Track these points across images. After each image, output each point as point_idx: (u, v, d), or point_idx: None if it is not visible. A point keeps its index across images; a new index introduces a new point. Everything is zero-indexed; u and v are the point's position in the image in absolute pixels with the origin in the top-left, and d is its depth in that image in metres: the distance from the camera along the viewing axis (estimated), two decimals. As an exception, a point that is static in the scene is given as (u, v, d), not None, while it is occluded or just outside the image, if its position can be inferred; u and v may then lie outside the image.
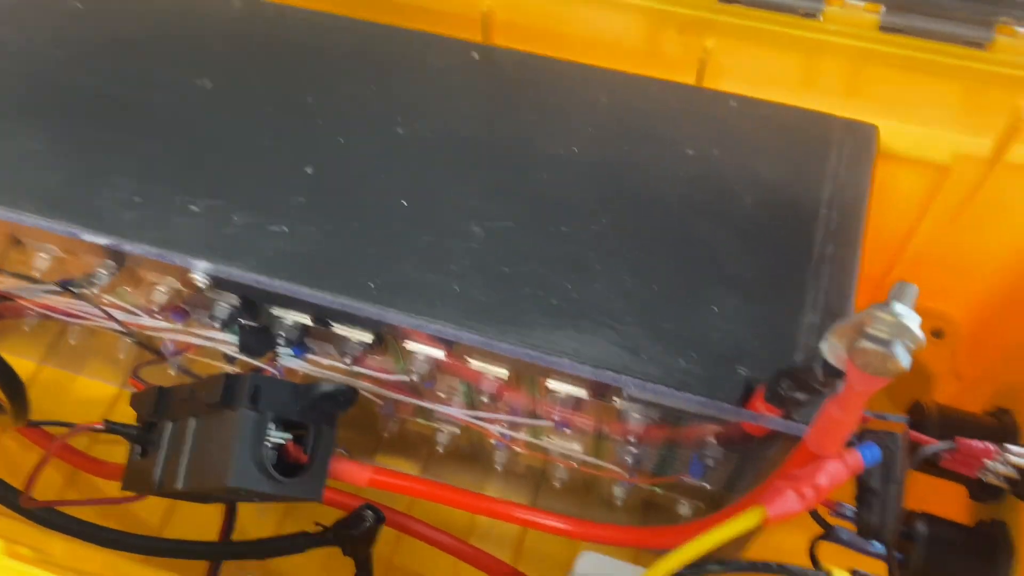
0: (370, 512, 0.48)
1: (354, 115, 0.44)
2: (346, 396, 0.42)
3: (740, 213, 0.40)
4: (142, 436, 0.45)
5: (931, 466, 0.41)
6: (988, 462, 0.39)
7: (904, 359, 0.28)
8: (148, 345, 0.58)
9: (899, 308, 0.28)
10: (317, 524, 0.49)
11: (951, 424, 0.44)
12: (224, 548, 0.50)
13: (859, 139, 0.42)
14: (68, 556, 0.34)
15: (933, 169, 0.47)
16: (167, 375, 0.59)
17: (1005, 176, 0.46)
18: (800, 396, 0.33)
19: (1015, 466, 0.38)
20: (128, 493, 0.51)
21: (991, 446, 0.39)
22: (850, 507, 0.42)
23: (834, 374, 0.31)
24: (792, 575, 0.33)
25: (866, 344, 0.28)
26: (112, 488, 0.61)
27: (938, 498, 0.49)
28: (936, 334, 0.59)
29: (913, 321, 0.28)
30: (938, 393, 0.55)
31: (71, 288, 0.50)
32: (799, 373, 0.32)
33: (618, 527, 0.43)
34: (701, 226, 0.39)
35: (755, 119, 0.43)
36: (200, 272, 0.40)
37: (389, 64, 0.45)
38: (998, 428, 0.44)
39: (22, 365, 0.45)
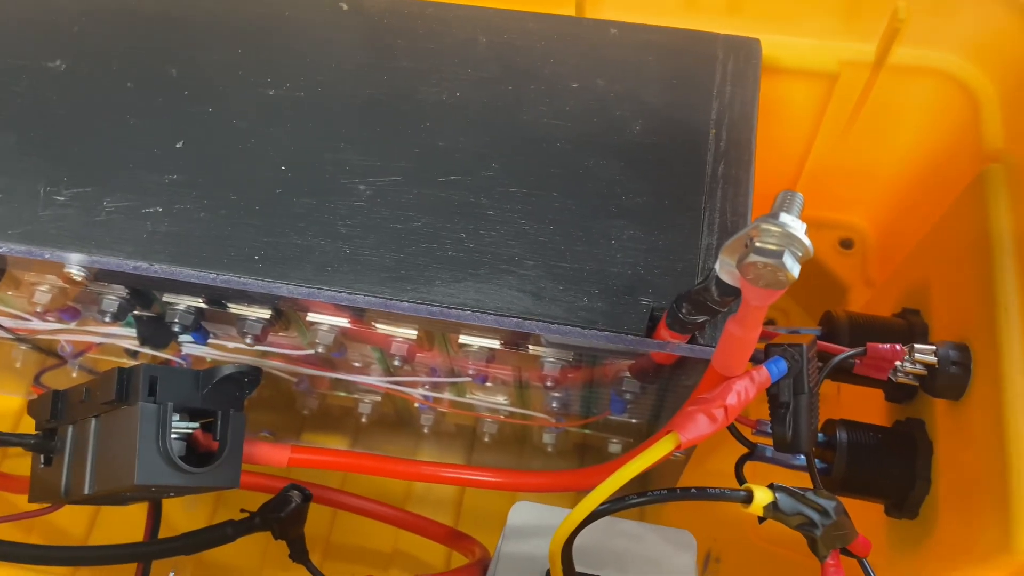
0: (296, 492, 0.47)
1: (222, 82, 0.41)
2: (250, 377, 0.41)
3: (630, 142, 0.39)
4: (41, 444, 0.43)
5: (846, 373, 0.41)
6: (898, 363, 0.39)
7: (793, 268, 0.28)
8: (45, 350, 0.55)
9: (784, 218, 0.28)
10: (243, 511, 0.48)
11: (862, 330, 0.44)
12: (151, 548, 0.48)
13: (742, 54, 0.41)
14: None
15: (821, 79, 0.47)
16: (72, 378, 0.57)
17: (891, 79, 0.47)
18: (700, 319, 0.32)
19: (923, 363, 0.39)
20: (38, 505, 0.49)
21: (898, 347, 0.39)
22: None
23: (729, 292, 0.30)
24: (711, 496, 0.32)
25: (755, 258, 0.28)
26: (25, 503, 0.59)
27: (858, 404, 0.50)
28: (845, 244, 0.59)
29: (799, 229, 0.28)
30: (852, 302, 0.56)
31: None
32: (696, 295, 0.31)
33: (548, 473, 0.43)
34: (592, 160, 0.39)
35: (637, 45, 0.42)
36: (75, 265, 0.37)
37: (253, 25, 0.43)
38: (906, 329, 0.44)
39: None
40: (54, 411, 0.43)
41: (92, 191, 0.39)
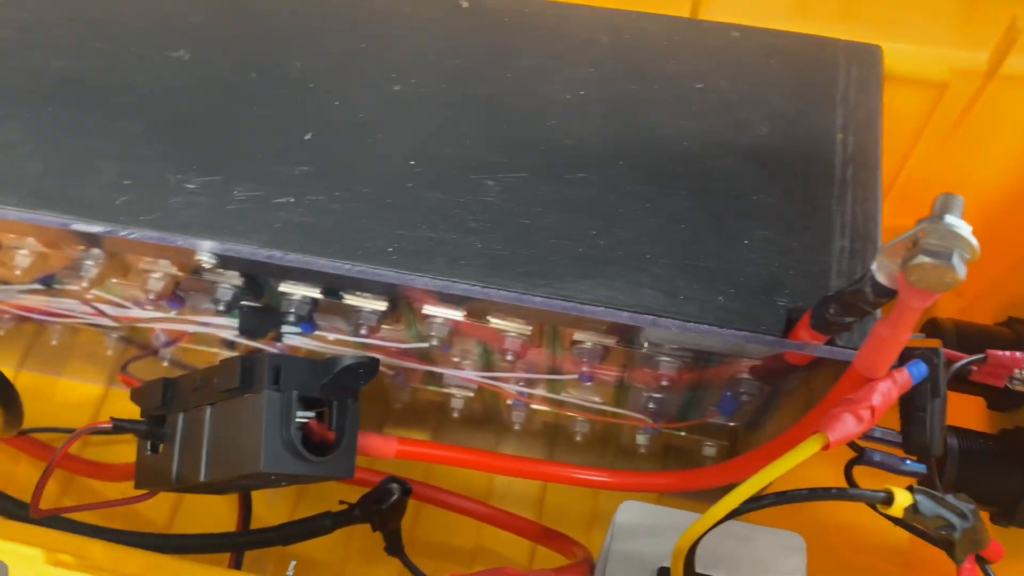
0: (396, 484, 0.47)
1: (347, 76, 0.42)
2: (368, 367, 0.41)
3: (757, 144, 0.39)
4: (152, 431, 0.43)
5: (957, 381, 0.41)
6: (1017, 371, 0.39)
7: (961, 270, 0.28)
8: (134, 339, 0.55)
9: (951, 219, 0.28)
10: (342, 502, 0.48)
11: (969, 338, 0.44)
12: (248, 537, 0.49)
13: (865, 60, 0.42)
14: (108, 559, 0.32)
15: (931, 87, 0.47)
16: (155, 370, 0.57)
17: (1001, 88, 0.47)
18: (848, 320, 0.33)
19: (1044, 372, 0.39)
20: (134, 492, 0.49)
21: (1019, 354, 0.39)
22: (880, 428, 0.42)
23: (884, 294, 0.30)
24: (853, 497, 0.33)
25: (923, 259, 0.28)
26: (108, 490, 0.59)
27: (955, 412, 0.50)
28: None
29: (966, 230, 0.28)
30: (942, 312, 0.56)
31: (55, 285, 0.47)
32: (847, 297, 0.31)
33: (655, 474, 0.43)
34: (719, 160, 0.39)
35: (759, 48, 0.42)
36: (206, 252, 0.38)
37: (375, 20, 0.43)
38: (1013, 338, 0.45)
39: None
40: (164, 399, 0.43)
41: (222, 180, 0.39)
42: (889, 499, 0.32)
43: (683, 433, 0.50)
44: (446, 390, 0.52)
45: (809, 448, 0.32)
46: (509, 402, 0.52)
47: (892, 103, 0.47)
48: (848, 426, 0.32)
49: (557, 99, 0.41)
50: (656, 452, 0.54)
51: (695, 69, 0.41)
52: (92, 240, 0.40)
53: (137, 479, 0.45)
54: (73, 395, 0.62)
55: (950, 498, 0.33)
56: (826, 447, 0.32)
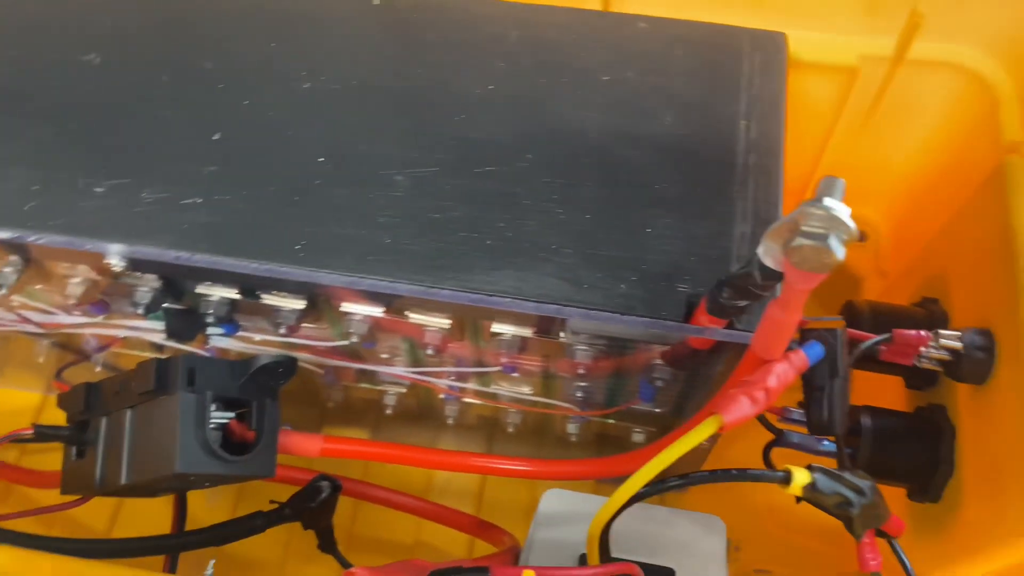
0: (326, 482, 0.47)
1: (256, 75, 0.42)
2: (286, 366, 0.41)
3: (662, 133, 0.40)
4: (76, 436, 0.43)
5: (868, 361, 0.42)
6: (923, 349, 0.40)
7: (839, 251, 0.28)
8: (69, 345, 0.55)
9: (829, 202, 0.29)
10: (272, 502, 0.48)
11: (883, 318, 0.45)
12: (180, 539, 0.48)
13: (769, 48, 0.42)
14: (17, 564, 0.32)
15: (841, 73, 0.47)
16: (92, 374, 0.57)
17: (909, 73, 0.48)
18: (741, 303, 0.33)
19: (948, 349, 0.40)
20: (69, 498, 0.49)
21: (925, 333, 0.40)
22: (797, 411, 0.43)
23: (772, 276, 0.31)
24: (751, 477, 0.33)
25: (802, 241, 0.29)
26: (48, 498, 0.59)
27: (875, 392, 0.51)
28: (859, 238, 0.60)
29: (844, 213, 0.29)
30: (866, 293, 0.57)
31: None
32: (738, 280, 0.32)
33: (578, 461, 0.44)
34: (625, 151, 0.39)
35: (665, 39, 0.43)
36: (115, 255, 0.38)
37: (285, 18, 0.44)
38: (927, 317, 0.45)
39: None
40: (87, 403, 0.43)
41: (130, 182, 0.39)
42: (787, 478, 0.33)
43: (612, 421, 0.51)
44: (379, 387, 0.52)
45: (705, 430, 0.32)
46: (442, 396, 0.52)
47: (805, 90, 0.48)
48: (743, 407, 0.32)
49: (467, 93, 0.41)
50: (590, 441, 0.54)
51: (603, 61, 0.42)
52: (7, 247, 0.40)
53: (63, 485, 0.45)
54: (9, 403, 0.62)
55: (847, 475, 0.34)
56: (721, 429, 0.32)
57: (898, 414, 0.44)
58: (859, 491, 0.33)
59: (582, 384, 0.46)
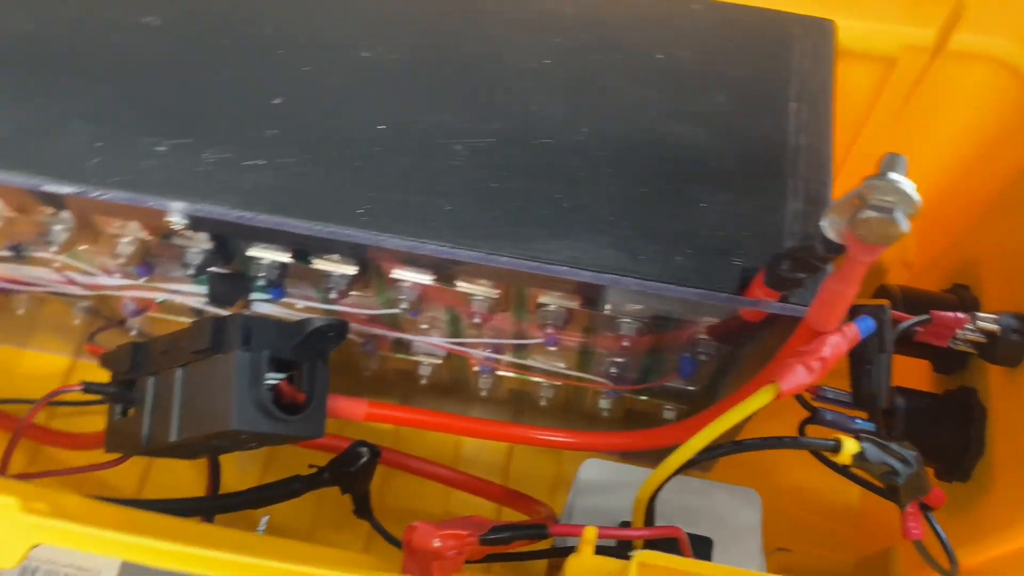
0: (365, 448, 0.48)
1: (316, 43, 0.42)
2: (338, 330, 0.42)
3: (714, 112, 0.41)
4: (122, 394, 0.44)
5: (902, 342, 0.43)
6: (959, 331, 0.41)
7: (904, 224, 0.29)
8: (102, 310, 0.56)
9: (894, 176, 0.30)
10: (311, 466, 0.49)
11: (915, 302, 0.46)
12: (217, 502, 0.49)
13: (818, 34, 0.43)
14: (83, 510, 0.33)
15: (880, 62, 0.48)
16: (122, 341, 0.57)
17: (947, 65, 0.49)
18: (799, 276, 0.34)
19: (984, 331, 0.41)
20: (102, 459, 0.50)
21: (962, 315, 0.41)
22: (831, 390, 0.44)
23: (834, 250, 0.32)
24: (804, 445, 0.34)
25: (869, 213, 0.29)
26: (75, 461, 0.59)
27: (901, 374, 0.52)
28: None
29: (910, 187, 0.30)
30: (891, 281, 0.58)
31: (24, 253, 0.47)
32: (799, 253, 0.33)
33: (620, 433, 0.45)
34: (679, 127, 0.40)
35: (718, 21, 0.43)
36: (177, 213, 0.38)
37: (345, -11, 0.44)
38: (958, 303, 0.47)
39: None
40: (134, 362, 0.44)
41: (192, 143, 0.39)
42: (837, 447, 0.34)
43: (644, 398, 0.52)
44: (414, 358, 0.53)
45: (762, 398, 0.33)
46: (476, 368, 0.53)
47: (844, 78, 0.49)
48: (799, 376, 0.33)
49: (524, 68, 0.42)
50: (618, 417, 0.55)
51: (656, 40, 0.43)
52: (62, 203, 0.41)
53: (107, 443, 0.45)
54: (38, 367, 0.62)
55: (894, 446, 0.35)
56: (778, 396, 0.33)
57: (930, 395, 0.45)
58: (905, 461, 0.35)
59: (619, 360, 0.47)
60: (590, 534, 0.31)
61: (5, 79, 0.41)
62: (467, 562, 0.35)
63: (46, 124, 0.40)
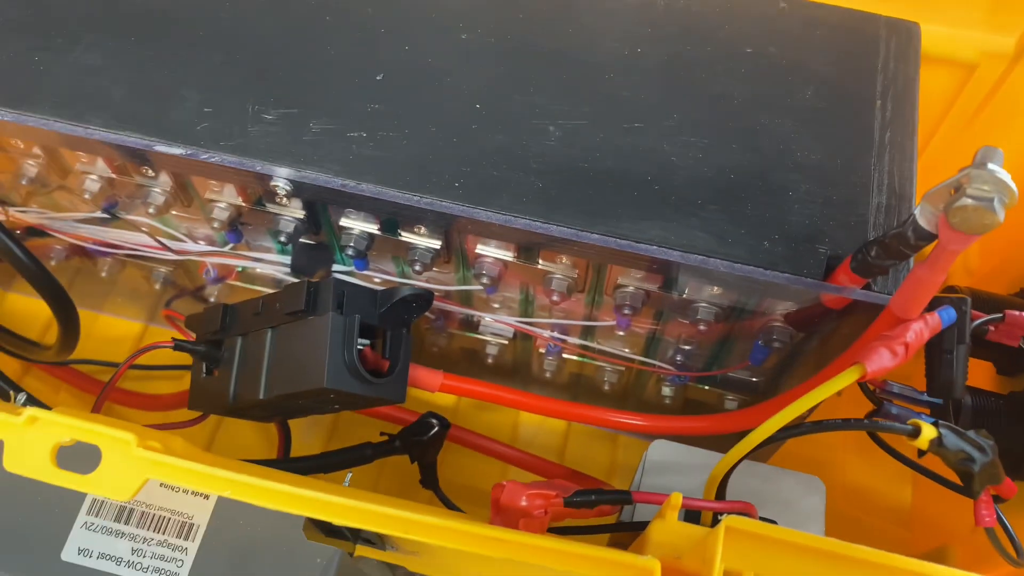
0: (435, 419, 0.50)
1: (416, 23, 0.44)
2: (423, 299, 0.43)
3: (802, 106, 0.42)
4: (210, 353, 0.46)
5: (973, 340, 0.44)
6: (1032, 331, 0.42)
7: (1001, 213, 0.30)
8: (181, 277, 0.57)
9: (993, 166, 0.31)
10: (383, 434, 0.50)
11: (984, 304, 0.47)
12: (291, 464, 0.51)
13: (904, 36, 0.44)
14: (188, 452, 0.34)
15: (960, 68, 0.49)
16: (195, 310, 0.59)
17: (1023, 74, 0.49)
18: (888, 263, 0.35)
19: (1058, 333, 0.42)
20: (181, 419, 0.52)
21: (1035, 315, 0.42)
22: (897, 384, 0.45)
23: (925, 237, 0.33)
24: (884, 428, 0.35)
25: (966, 201, 0.30)
26: (144, 421, 0.61)
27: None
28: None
29: (1008, 177, 0.31)
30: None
31: (118, 214, 0.49)
32: (890, 240, 0.34)
33: (692, 417, 0.46)
34: (767, 118, 0.41)
35: (805, 19, 0.45)
36: (282, 179, 0.40)
37: (444, -27, 0.46)
38: (1025, 307, 0.47)
39: (38, 305, 0.44)
40: (223, 323, 0.46)
41: (298, 112, 0.41)
42: (916, 432, 0.35)
43: (707, 387, 0.53)
44: (482, 336, 0.55)
45: (849, 376, 0.34)
46: (542, 351, 0.54)
47: (922, 81, 0.50)
48: (884, 359, 0.34)
49: (615, 54, 0.43)
50: (678, 406, 0.56)
51: (745, 35, 0.44)
52: (163, 166, 0.42)
53: (191, 401, 0.47)
54: (112, 330, 0.64)
55: (971, 434, 0.36)
56: (863, 377, 0.34)
57: (996, 395, 0.46)
58: (982, 449, 0.35)
59: (688, 346, 0.48)
60: (676, 499, 0.33)
61: (119, 46, 0.43)
62: (550, 525, 0.36)
63: (159, 89, 0.42)
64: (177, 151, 0.40)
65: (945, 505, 0.54)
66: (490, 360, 0.55)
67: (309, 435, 0.60)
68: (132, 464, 0.32)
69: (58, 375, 0.61)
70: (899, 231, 0.34)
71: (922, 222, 0.33)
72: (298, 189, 0.40)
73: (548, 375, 0.56)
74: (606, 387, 0.54)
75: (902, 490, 0.58)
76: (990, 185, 0.30)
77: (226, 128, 0.41)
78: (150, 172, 0.44)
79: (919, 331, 0.35)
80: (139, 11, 0.44)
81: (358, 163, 0.40)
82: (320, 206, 0.43)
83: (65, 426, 0.32)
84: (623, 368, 0.53)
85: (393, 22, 0.44)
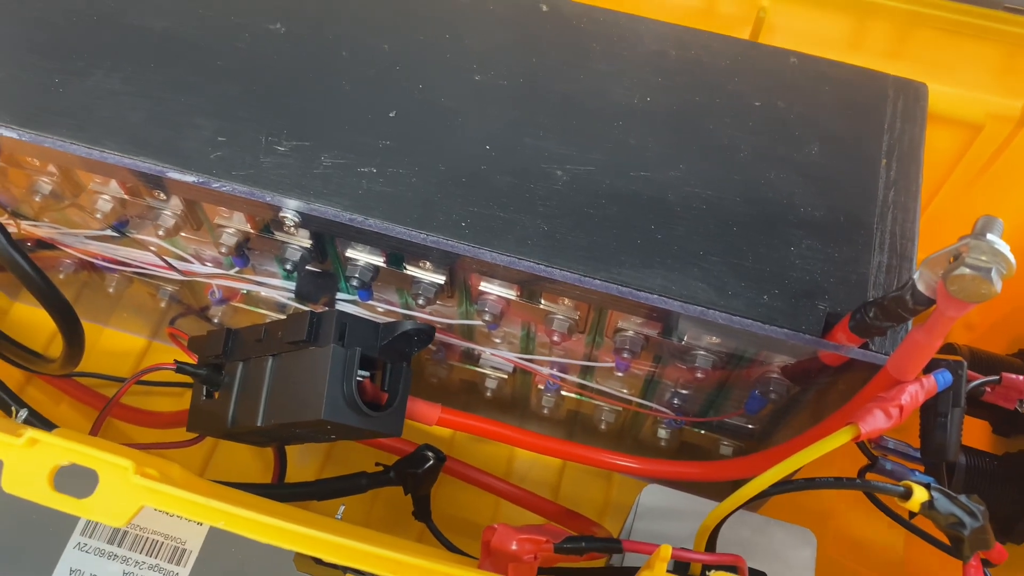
0: (431, 452, 0.50)
1: (430, 63, 0.45)
2: (424, 334, 0.44)
3: (808, 161, 0.42)
4: (211, 376, 0.46)
5: (969, 401, 0.44)
6: (1027, 394, 0.42)
7: (998, 283, 0.31)
8: (187, 296, 0.58)
9: (992, 237, 0.31)
10: (378, 464, 0.51)
11: (982, 364, 0.47)
12: (285, 490, 0.51)
13: (911, 96, 0.45)
14: (185, 481, 0.35)
15: (966, 128, 0.50)
16: (200, 328, 0.60)
17: (1030, 137, 0.50)
18: (886, 324, 0.35)
19: (1052, 397, 0.42)
20: (175, 438, 0.52)
21: (1031, 379, 0.42)
22: (892, 440, 0.45)
23: (922, 302, 0.33)
24: (875, 488, 0.35)
25: (964, 270, 0.31)
26: (143, 437, 0.62)
27: (963, 434, 0.53)
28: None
29: (1007, 249, 0.31)
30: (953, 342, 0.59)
31: (127, 233, 0.50)
32: (889, 302, 0.34)
33: (687, 463, 0.46)
34: (772, 172, 0.42)
35: (814, 75, 0.45)
36: (291, 211, 0.40)
37: (461, 14, 0.46)
38: (1023, 367, 0.48)
39: (43, 316, 0.45)
40: (226, 347, 0.46)
41: (310, 145, 0.42)
42: (908, 494, 0.35)
43: (702, 431, 0.53)
44: (482, 370, 0.55)
45: (841, 437, 0.34)
46: (540, 387, 0.54)
47: (928, 140, 0.50)
48: (878, 420, 0.35)
49: (625, 103, 0.44)
50: (673, 448, 0.56)
51: (754, 88, 0.44)
52: (177, 190, 0.43)
53: (190, 422, 0.48)
54: (117, 344, 0.65)
55: (963, 498, 0.36)
56: (856, 438, 0.35)
57: (992, 456, 0.46)
58: (973, 514, 0.35)
59: (685, 391, 0.49)
60: (665, 552, 0.33)
61: (139, 72, 0.44)
62: (539, 570, 0.36)
63: (175, 116, 0.42)
64: (190, 179, 0.41)
65: (937, 558, 0.54)
66: (489, 393, 0.55)
67: (305, 458, 0.60)
68: (128, 491, 0.32)
69: (60, 387, 0.61)
70: (898, 295, 0.34)
71: (921, 287, 0.33)
72: (306, 221, 0.41)
73: (546, 411, 0.56)
74: (603, 426, 0.55)
75: (895, 541, 0.58)
76: (988, 256, 0.31)
77: (239, 158, 0.41)
78: (162, 195, 0.44)
79: (914, 393, 0.35)
80: (158, 39, 0.45)
81: (367, 198, 0.40)
82: (327, 237, 0.43)
83: (64, 449, 0.32)
84: (620, 408, 0.54)
85: (408, 61, 0.45)
